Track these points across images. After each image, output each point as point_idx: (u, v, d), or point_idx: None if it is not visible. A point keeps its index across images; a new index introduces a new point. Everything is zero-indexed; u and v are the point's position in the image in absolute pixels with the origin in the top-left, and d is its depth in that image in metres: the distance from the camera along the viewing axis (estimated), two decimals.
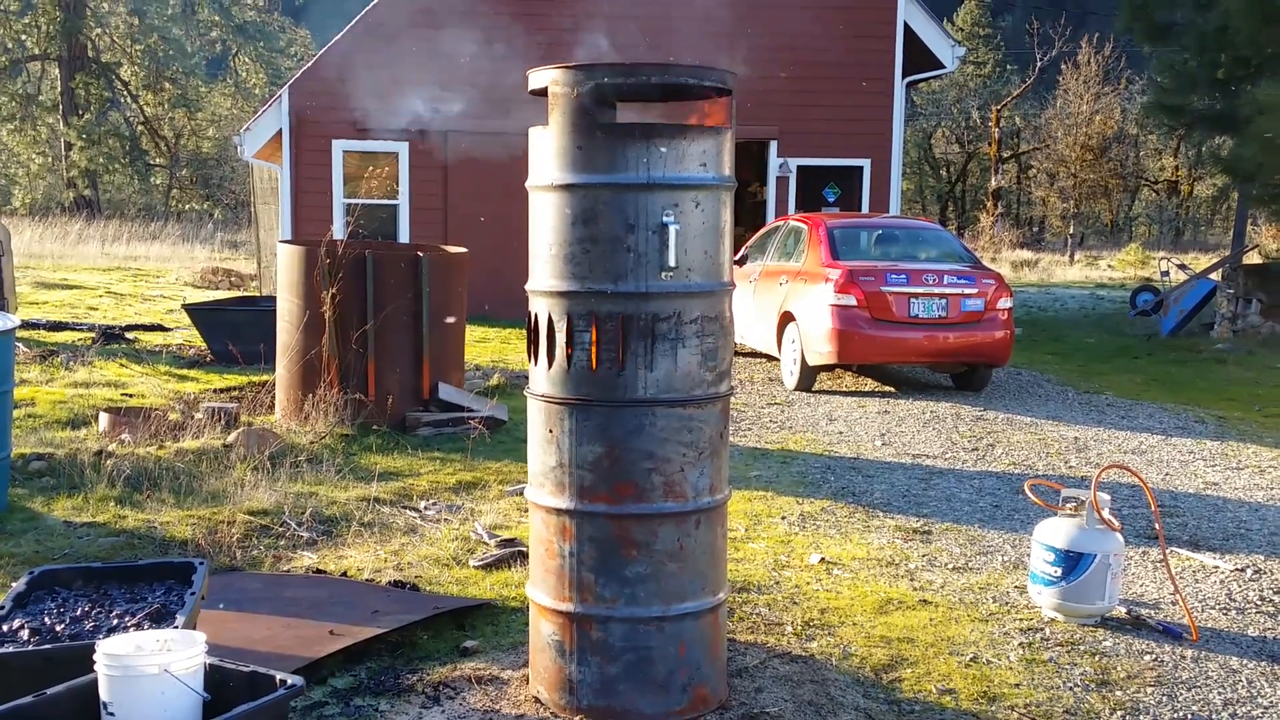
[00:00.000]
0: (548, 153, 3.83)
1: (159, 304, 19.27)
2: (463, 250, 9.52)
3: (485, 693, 4.13)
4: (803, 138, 18.40)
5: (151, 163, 45.34)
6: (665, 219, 3.73)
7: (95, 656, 3.10)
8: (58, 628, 3.62)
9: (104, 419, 8.27)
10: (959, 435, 9.16)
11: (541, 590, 3.95)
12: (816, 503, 7.04)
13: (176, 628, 3.52)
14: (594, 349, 3.76)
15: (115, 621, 3.68)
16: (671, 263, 3.73)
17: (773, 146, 18.47)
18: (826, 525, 6.58)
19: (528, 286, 3.96)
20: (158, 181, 46.63)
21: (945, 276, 10.85)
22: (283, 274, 8.94)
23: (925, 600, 5.30)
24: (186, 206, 45.27)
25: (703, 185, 3.80)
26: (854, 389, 11.49)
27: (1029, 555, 5.69)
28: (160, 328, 15.35)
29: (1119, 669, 4.54)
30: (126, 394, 9.91)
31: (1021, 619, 5.10)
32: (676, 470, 3.81)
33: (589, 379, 3.78)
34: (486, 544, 5.97)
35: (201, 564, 4.17)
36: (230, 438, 7.86)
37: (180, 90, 43.28)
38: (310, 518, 6.41)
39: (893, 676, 4.41)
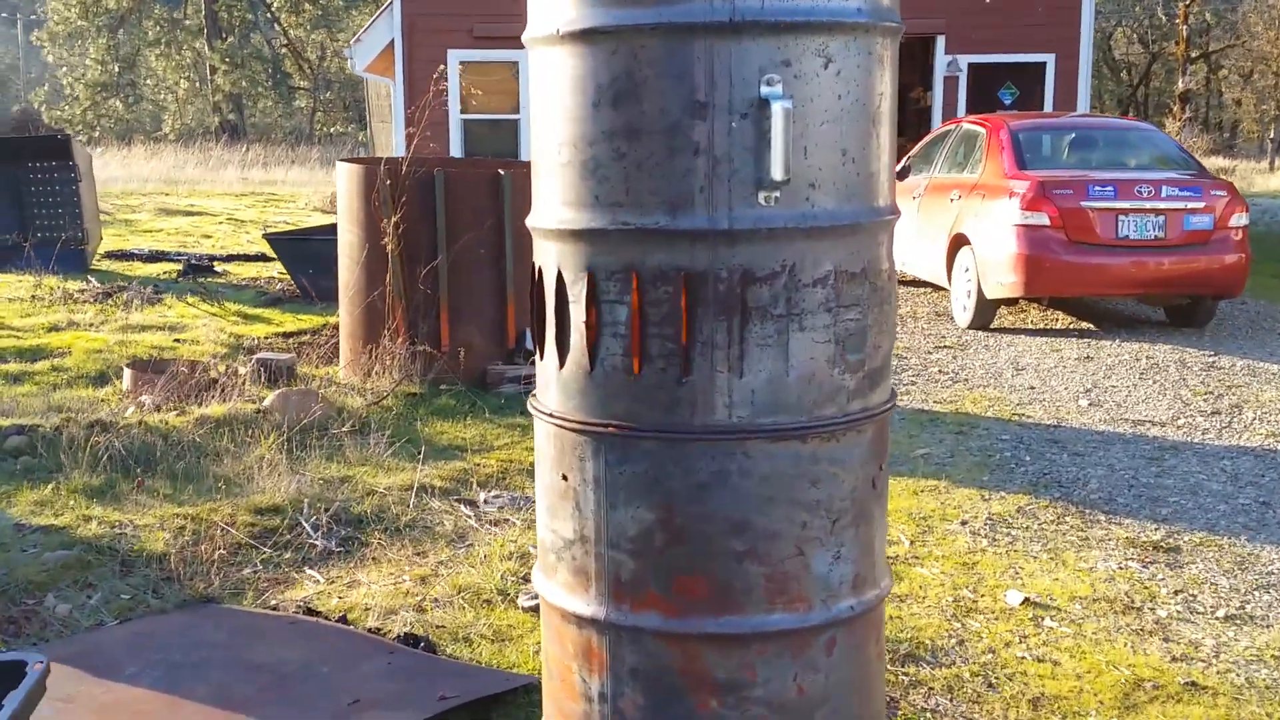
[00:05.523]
0: None
1: (280, 230, 18.17)
2: None
3: None
4: (975, 31, 16.04)
5: (295, 85, 44.80)
6: (766, 90, 1.97)
7: None
8: None
9: (128, 376, 6.90)
10: (1189, 392, 7.13)
11: None
12: (1009, 498, 5.21)
13: None
14: (635, 333, 2.05)
15: None
16: (778, 173, 1.98)
17: (939, 43, 16.20)
18: (1026, 535, 4.76)
19: (528, 221, 2.25)
20: (301, 104, 46.11)
21: (1163, 187, 8.69)
22: (342, 198, 7.40)
23: (1193, 682, 3.47)
24: (331, 129, 44.65)
25: (838, 24, 2.01)
26: (1042, 326, 9.47)
27: None
28: (264, 257, 14.15)
29: None
30: (179, 339, 8.57)
31: None
32: (790, 553, 2.08)
33: (628, 388, 2.07)
34: None
35: (40, 664, 2.62)
36: (266, 401, 6.40)
37: (321, 10, 42.36)
38: (331, 518, 4.89)
39: None
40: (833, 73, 2.03)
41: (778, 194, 2.01)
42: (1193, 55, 44.39)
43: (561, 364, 2.14)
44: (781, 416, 2.06)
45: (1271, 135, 39.07)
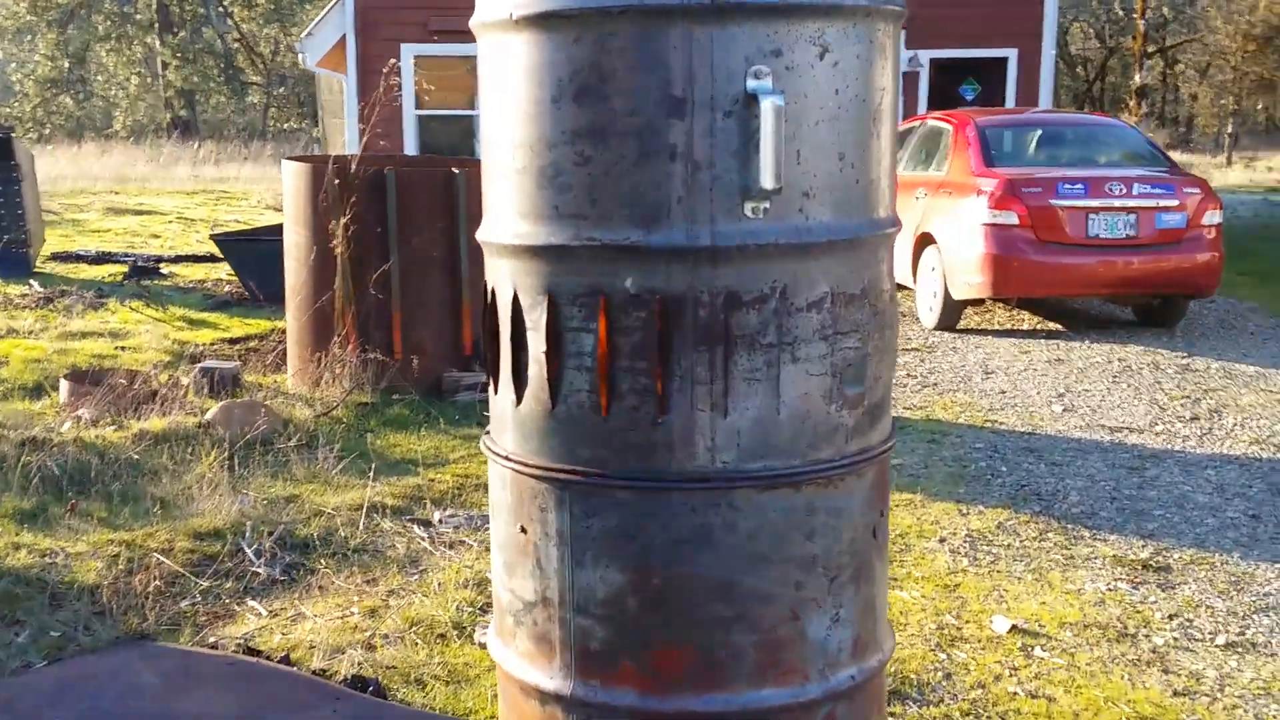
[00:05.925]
0: None
1: (229, 229, 17.72)
2: None
3: None
4: (936, 25, 15.82)
5: (247, 81, 44.11)
6: (753, 84, 1.70)
7: None
8: None
9: (64, 388, 6.55)
10: (1165, 395, 6.94)
11: None
12: (988, 513, 4.98)
13: None
14: (603, 366, 1.77)
15: None
16: (767, 181, 1.71)
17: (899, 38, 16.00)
18: (1008, 554, 4.53)
19: (479, 235, 1.97)
20: (254, 100, 45.43)
21: (1135, 185, 8.52)
22: (288, 198, 7.08)
23: None
24: (285, 126, 44.01)
25: (836, 8, 1.75)
26: (1009, 327, 9.28)
27: None
28: (213, 258, 13.74)
29: None
30: (122, 347, 8.21)
31: None
32: (783, 617, 1.82)
33: (596, 429, 1.79)
34: None
35: None
36: (209, 414, 6.07)
37: (273, 4, 41.70)
38: (275, 543, 4.58)
39: None
40: (829, 64, 1.76)
41: (767, 204, 1.74)
42: (1150, 50, 44.56)
43: (519, 400, 1.87)
44: (772, 461, 1.79)
45: (1229, 130, 39.29)
